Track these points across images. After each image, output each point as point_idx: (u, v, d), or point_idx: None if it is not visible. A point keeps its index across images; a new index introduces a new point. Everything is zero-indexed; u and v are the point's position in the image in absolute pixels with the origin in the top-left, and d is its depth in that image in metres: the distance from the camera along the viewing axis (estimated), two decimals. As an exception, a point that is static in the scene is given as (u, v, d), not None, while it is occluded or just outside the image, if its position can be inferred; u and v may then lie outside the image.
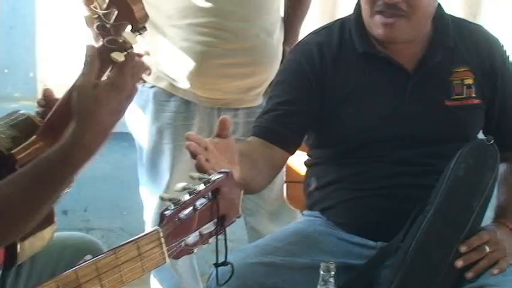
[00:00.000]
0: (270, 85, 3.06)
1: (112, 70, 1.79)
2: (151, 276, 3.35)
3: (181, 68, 2.97)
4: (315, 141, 2.67)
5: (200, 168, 1.97)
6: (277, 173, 2.63)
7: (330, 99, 2.57)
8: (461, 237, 2.36)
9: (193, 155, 2.00)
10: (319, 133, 2.62)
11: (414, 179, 2.47)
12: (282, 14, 3.18)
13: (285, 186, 3.00)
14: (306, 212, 2.74)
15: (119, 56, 1.77)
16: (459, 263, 2.33)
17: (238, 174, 2.08)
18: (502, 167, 2.54)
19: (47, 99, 2.13)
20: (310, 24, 3.59)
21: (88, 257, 1.68)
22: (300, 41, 2.71)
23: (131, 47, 1.79)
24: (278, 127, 2.45)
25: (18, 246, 2.13)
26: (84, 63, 1.78)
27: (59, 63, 3.95)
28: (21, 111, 2.23)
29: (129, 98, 1.81)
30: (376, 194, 2.52)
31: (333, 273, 2.05)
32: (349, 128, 2.55)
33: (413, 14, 2.45)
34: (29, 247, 2.19)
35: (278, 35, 3.08)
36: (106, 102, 1.76)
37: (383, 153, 2.52)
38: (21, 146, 2.08)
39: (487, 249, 2.37)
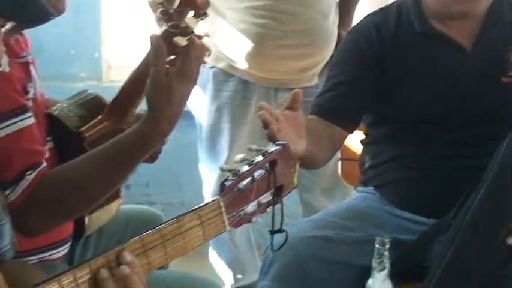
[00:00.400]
0: (325, 66, 3.07)
1: (179, 58, 1.80)
2: (210, 248, 3.39)
3: (239, 49, 2.97)
4: (372, 120, 2.65)
5: (271, 138, 1.99)
6: (337, 150, 2.63)
7: (387, 78, 2.55)
8: (510, 219, 2.32)
9: (266, 125, 2.02)
10: (376, 112, 2.61)
11: (468, 160, 2.45)
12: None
13: (339, 163, 2.97)
14: (359, 188, 2.74)
15: (181, 41, 1.78)
16: (510, 240, 2.29)
17: (304, 147, 2.10)
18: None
19: None
20: (362, 9, 3.56)
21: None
22: (358, 23, 2.68)
23: (193, 32, 1.80)
24: (337, 107, 2.44)
25: (86, 219, 2.18)
26: (152, 55, 1.80)
27: (122, 44, 3.97)
28: (89, 91, 2.25)
29: (195, 82, 1.84)
30: (430, 173, 2.50)
31: (387, 247, 2.05)
32: (406, 106, 2.53)
33: None
34: (96, 220, 2.22)
35: (333, 17, 3.07)
36: (177, 90, 1.80)
37: (438, 132, 2.50)
38: (88, 125, 2.11)
39: None
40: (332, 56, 3.03)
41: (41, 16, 1.63)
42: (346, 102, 2.47)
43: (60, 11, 2.01)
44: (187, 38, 1.77)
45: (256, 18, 2.91)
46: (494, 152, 2.34)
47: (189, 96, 1.85)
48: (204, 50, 1.85)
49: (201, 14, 1.80)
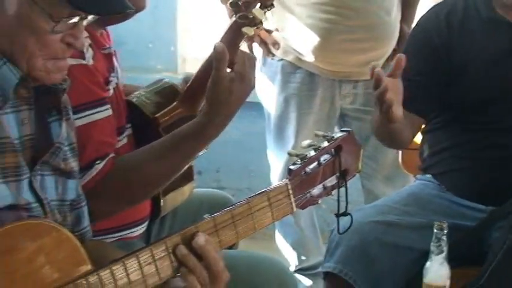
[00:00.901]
0: (387, 60, 3.05)
1: (241, 64, 1.83)
2: (276, 231, 3.38)
3: (306, 43, 2.95)
4: (434, 108, 2.59)
5: (381, 96, 2.08)
6: (416, 133, 2.60)
7: (455, 65, 2.50)
8: None
9: (377, 84, 2.09)
10: (440, 99, 2.54)
11: None
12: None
13: (400, 153, 2.94)
14: (419, 176, 2.70)
15: (249, 31, 1.80)
16: None
17: (401, 114, 2.17)
18: None
19: None
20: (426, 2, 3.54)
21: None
22: (425, 14, 2.63)
23: (260, 23, 1.81)
24: (414, 97, 2.37)
25: (162, 201, 2.19)
26: (215, 59, 1.82)
27: (197, 39, 3.97)
28: (165, 80, 2.27)
29: (253, 86, 1.89)
30: (488, 161, 2.46)
31: (445, 231, 2.02)
32: (469, 91, 2.48)
33: None
34: (170, 201, 2.25)
35: (396, 13, 3.03)
36: (236, 92, 1.84)
37: (498, 119, 2.46)
38: (163, 111, 2.14)
39: None
40: (395, 50, 3.03)
41: (120, 10, 1.62)
42: (423, 92, 2.42)
43: (140, 8, 2.05)
44: (254, 28, 1.78)
45: (323, 13, 2.88)
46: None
47: (246, 98, 1.88)
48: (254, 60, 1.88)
49: (267, 5, 1.81)
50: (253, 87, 1.89)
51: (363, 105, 3.10)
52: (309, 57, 2.98)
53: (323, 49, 2.94)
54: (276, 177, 3.26)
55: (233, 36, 1.94)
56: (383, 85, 2.10)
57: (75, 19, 1.54)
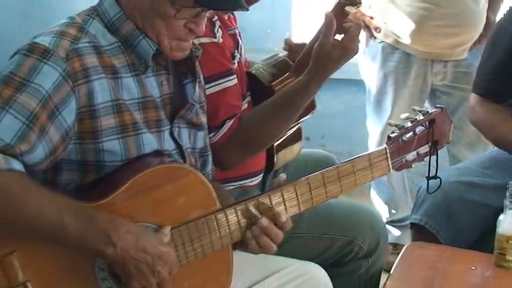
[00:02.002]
0: (474, 43, 3.02)
1: (345, 36, 1.84)
2: (371, 189, 3.38)
3: (405, 27, 2.94)
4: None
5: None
6: None
7: None
8: None
9: None
10: None
11: None
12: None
13: None
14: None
15: (351, 9, 1.82)
16: None
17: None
18: None
19: (288, 45, 2.30)
20: None
21: (283, 175, 1.72)
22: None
23: (360, 3, 1.80)
24: (495, 87, 2.35)
25: (275, 157, 2.19)
26: (324, 27, 1.84)
27: (308, 25, 3.97)
28: (278, 55, 2.29)
29: (352, 55, 1.88)
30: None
31: (518, 188, 2.00)
32: None
33: None
34: (282, 157, 2.26)
35: (483, 3, 2.97)
36: (335, 59, 1.85)
37: None
38: (278, 80, 2.16)
39: None
40: (481, 35, 3.00)
41: (232, 8, 1.71)
42: (504, 83, 2.35)
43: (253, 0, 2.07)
44: (356, 7, 1.78)
45: (420, 2, 2.87)
46: None
47: (340, 65, 1.89)
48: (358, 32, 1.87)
49: None
50: (351, 57, 1.88)
51: (451, 81, 3.08)
52: (406, 40, 2.97)
53: (419, 33, 2.92)
54: (373, 143, 3.25)
55: (337, 14, 1.94)
56: None
57: (197, 10, 1.55)
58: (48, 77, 1.43)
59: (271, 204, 1.62)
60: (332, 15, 1.86)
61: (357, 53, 1.89)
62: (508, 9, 2.54)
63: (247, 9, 1.62)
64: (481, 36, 3.00)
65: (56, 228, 1.36)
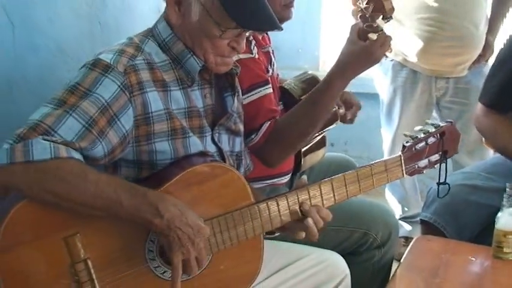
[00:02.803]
0: (473, 63, 2.99)
1: (372, 43, 1.79)
2: (386, 189, 3.37)
3: (412, 48, 2.93)
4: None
5: None
6: None
7: None
8: None
9: None
10: None
11: None
12: (488, 11, 3.02)
13: None
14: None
15: (373, 36, 1.80)
16: None
17: None
18: None
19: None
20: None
21: (304, 177, 1.72)
22: None
23: (382, 30, 1.79)
24: (500, 99, 2.31)
25: (302, 160, 2.21)
26: (350, 32, 1.81)
27: (335, 46, 3.97)
28: (308, 72, 2.29)
29: (374, 62, 1.83)
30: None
31: (513, 189, 1.98)
32: None
33: None
34: (309, 160, 2.27)
35: (483, 27, 2.94)
36: (356, 58, 1.80)
37: None
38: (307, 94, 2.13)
39: None
40: (480, 55, 2.97)
41: (269, 29, 1.67)
42: (506, 93, 2.32)
43: (287, 18, 2.05)
44: (377, 34, 1.77)
45: (426, 26, 2.86)
46: None
47: (363, 69, 1.84)
48: (389, 43, 1.83)
49: (387, 18, 1.79)
50: (374, 61, 1.82)
51: (452, 96, 3.05)
52: (413, 59, 2.95)
53: (425, 52, 2.91)
54: (386, 148, 3.24)
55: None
56: None
57: (239, 31, 1.57)
58: (108, 88, 1.46)
59: (298, 199, 1.63)
60: (356, 24, 1.82)
61: (379, 60, 1.83)
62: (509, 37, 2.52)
63: (282, 29, 1.63)
64: (480, 56, 2.98)
65: (113, 204, 1.38)
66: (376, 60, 1.82)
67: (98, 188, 1.37)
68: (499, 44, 2.84)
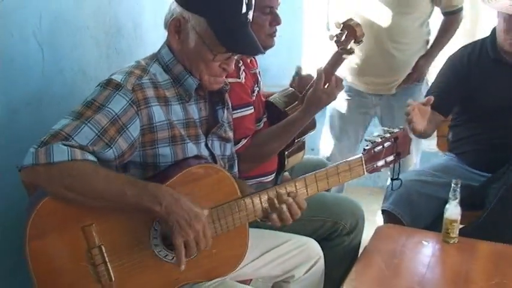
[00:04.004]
0: (404, 82, 2.86)
1: (331, 86, 1.85)
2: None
3: (351, 71, 2.86)
4: (458, 111, 2.52)
5: (409, 122, 2.11)
6: (437, 127, 2.51)
7: (470, 86, 2.40)
8: None
9: (408, 114, 2.12)
10: (461, 106, 2.47)
11: None
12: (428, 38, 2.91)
13: (436, 138, 2.81)
14: (447, 153, 2.61)
15: (347, 57, 1.78)
16: None
17: (423, 127, 2.17)
18: None
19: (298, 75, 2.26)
20: (459, 41, 3.29)
21: (286, 173, 1.70)
22: (455, 52, 2.52)
23: (353, 52, 1.79)
24: (438, 100, 2.27)
25: (287, 160, 2.19)
26: (316, 79, 1.87)
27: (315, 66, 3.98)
28: (290, 88, 2.28)
29: (332, 100, 1.91)
30: (491, 145, 2.38)
31: (459, 185, 1.99)
32: (480, 103, 2.39)
33: None
34: (291, 162, 2.24)
35: (410, 52, 2.81)
36: (322, 101, 1.86)
37: (497, 120, 2.36)
38: (289, 107, 2.13)
39: None
40: (410, 76, 2.84)
41: (255, 53, 1.68)
42: (443, 97, 2.33)
43: (270, 46, 2.04)
44: (349, 55, 1.77)
45: (361, 55, 2.76)
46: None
47: (323, 107, 1.91)
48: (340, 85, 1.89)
49: (359, 41, 1.78)
50: (332, 101, 1.90)
51: (383, 110, 2.94)
52: (349, 78, 2.87)
53: (361, 75, 2.83)
54: (329, 151, 3.08)
55: (335, 60, 1.93)
56: (410, 109, 2.11)
57: (229, 54, 1.58)
58: (118, 103, 1.46)
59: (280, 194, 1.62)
60: (321, 71, 1.86)
61: (335, 98, 1.91)
62: (450, 55, 2.53)
63: (264, 53, 1.65)
64: (410, 76, 2.85)
65: (120, 195, 1.38)
66: (334, 98, 1.90)
67: (107, 183, 1.38)
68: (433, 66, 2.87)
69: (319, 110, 1.92)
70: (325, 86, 1.89)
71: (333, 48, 1.97)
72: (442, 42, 2.91)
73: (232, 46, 1.54)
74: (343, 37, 1.77)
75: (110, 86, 1.48)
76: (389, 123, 2.76)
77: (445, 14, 2.85)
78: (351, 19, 1.77)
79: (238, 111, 1.92)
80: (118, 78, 1.50)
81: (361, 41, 1.79)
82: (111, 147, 1.44)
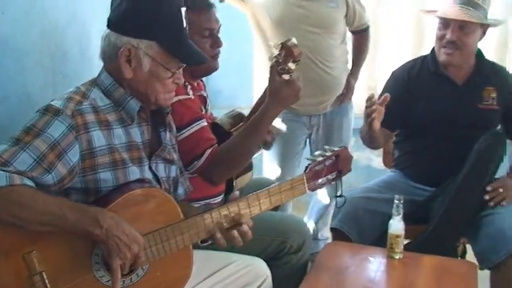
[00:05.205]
0: (339, 101, 2.97)
1: (285, 80, 1.84)
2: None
3: None
4: (400, 126, 2.58)
5: (369, 116, 2.19)
6: (387, 142, 2.60)
7: (411, 100, 2.48)
8: (483, 185, 2.29)
9: (370, 108, 2.18)
10: (403, 121, 2.53)
11: (457, 152, 2.36)
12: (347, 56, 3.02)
13: (382, 155, 2.89)
14: (391, 169, 2.68)
15: (286, 77, 1.82)
16: (486, 197, 2.27)
17: (378, 127, 2.25)
18: (510, 147, 2.41)
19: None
20: (407, 56, 3.46)
21: (237, 192, 1.72)
22: (399, 67, 2.60)
23: (292, 71, 1.82)
24: (385, 118, 2.32)
25: (235, 182, 2.21)
26: (269, 72, 1.86)
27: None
28: (235, 110, 2.31)
29: (294, 97, 1.87)
30: (433, 160, 2.44)
31: (402, 201, 2.04)
32: (420, 117, 2.46)
33: (463, 48, 2.36)
34: (239, 182, 2.26)
35: (340, 71, 2.91)
36: (279, 91, 1.85)
37: (438, 135, 2.43)
38: (235, 128, 2.16)
39: (501, 190, 2.29)
40: (342, 94, 2.95)
41: (202, 62, 1.69)
42: (387, 113, 2.35)
43: (215, 69, 2.08)
44: (289, 75, 1.81)
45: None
46: (472, 147, 2.31)
47: (290, 101, 1.88)
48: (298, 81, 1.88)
49: (297, 61, 1.83)
50: (295, 96, 1.86)
51: (322, 129, 3.01)
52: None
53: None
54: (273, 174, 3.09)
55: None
56: (373, 108, 2.16)
57: (182, 67, 1.64)
58: (57, 129, 1.48)
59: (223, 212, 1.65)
60: (275, 66, 1.85)
61: (297, 97, 1.87)
62: (393, 70, 2.60)
63: (208, 61, 1.73)
64: (345, 96, 2.94)
65: (59, 219, 1.40)
66: (297, 95, 1.86)
67: (46, 207, 1.39)
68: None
69: (284, 103, 1.88)
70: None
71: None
72: (361, 58, 3.05)
73: (186, 58, 1.62)
74: (282, 57, 1.82)
75: (49, 111, 1.50)
76: (326, 142, 2.84)
77: (356, 32, 3.00)
78: (288, 39, 1.81)
79: (195, 124, 1.94)
80: (57, 104, 1.52)
81: (299, 60, 1.84)
82: (50, 173, 1.45)
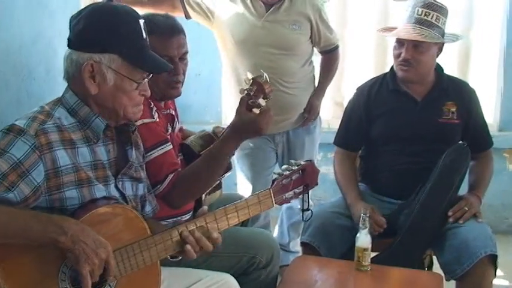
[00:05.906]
0: (303, 122, 2.99)
1: (255, 113, 1.83)
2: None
3: None
4: (364, 141, 2.62)
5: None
6: (354, 163, 2.66)
7: (372, 116, 2.53)
8: (446, 200, 2.33)
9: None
10: (365, 136, 2.57)
11: (421, 165, 2.40)
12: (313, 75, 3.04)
13: None
14: (359, 183, 2.66)
15: (256, 111, 1.82)
16: (450, 213, 2.31)
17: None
18: (472, 161, 2.45)
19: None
20: (369, 73, 3.52)
21: (205, 207, 1.74)
22: (360, 85, 2.64)
23: (261, 106, 1.83)
24: (348, 139, 2.42)
25: (204, 198, 2.23)
26: (239, 103, 1.85)
27: (231, 105, 4.04)
28: (206, 130, 2.32)
29: (259, 131, 1.85)
30: (398, 174, 2.47)
31: (368, 214, 2.09)
32: (381, 134, 2.51)
33: (418, 65, 2.41)
34: (208, 199, 2.27)
35: (300, 90, 2.93)
36: (246, 125, 1.84)
37: (400, 149, 2.47)
38: (204, 150, 2.15)
39: (466, 208, 2.33)
40: (305, 117, 2.98)
41: (165, 70, 1.72)
42: (354, 136, 2.44)
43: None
44: (259, 109, 1.82)
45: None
46: (437, 161, 2.34)
47: (251, 135, 1.89)
48: (268, 117, 1.86)
49: (267, 97, 1.83)
50: (258, 133, 1.84)
51: (286, 146, 3.02)
52: None
53: None
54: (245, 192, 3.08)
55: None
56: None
57: (146, 76, 1.66)
58: (20, 149, 1.48)
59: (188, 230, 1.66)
60: (245, 96, 1.84)
61: (264, 130, 1.84)
62: (356, 88, 2.65)
63: (172, 68, 1.76)
64: (308, 118, 2.97)
65: (24, 229, 1.40)
66: (261, 130, 1.84)
67: (10, 218, 1.40)
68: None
69: (246, 136, 1.89)
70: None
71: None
72: (328, 78, 3.08)
73: (149, 67, 1.64)
74: (253, 92, 1.83)
75: (13, 131, 1.50)
76: (291, 158, 2.80)
77: (323, 52, 3.03)
78: (260, 75, 1.80)
79: (159, 148, 1.95)
80: (21, 123, 1.52)
81: (270, 97, 1.85)
82: (12, 191, 1.45)
